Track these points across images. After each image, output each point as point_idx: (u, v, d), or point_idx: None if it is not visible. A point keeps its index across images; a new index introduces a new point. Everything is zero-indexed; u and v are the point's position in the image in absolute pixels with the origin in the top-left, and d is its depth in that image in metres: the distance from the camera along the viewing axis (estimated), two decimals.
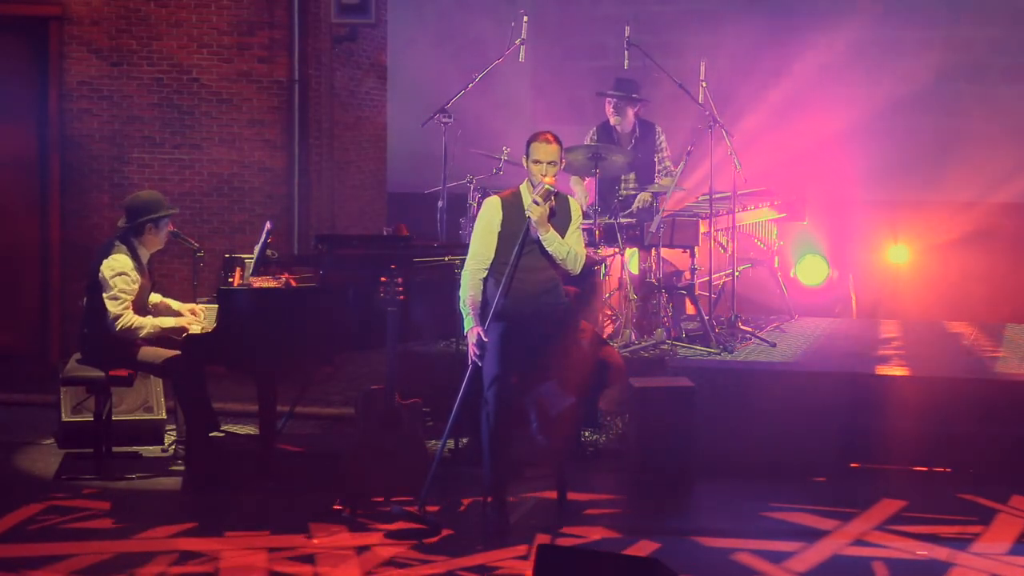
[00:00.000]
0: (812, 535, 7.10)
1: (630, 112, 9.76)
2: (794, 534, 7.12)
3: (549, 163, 7.12)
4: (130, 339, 7.93)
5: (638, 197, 9.60)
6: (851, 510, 7.45)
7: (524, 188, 7.25)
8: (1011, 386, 8.25)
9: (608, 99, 9.81)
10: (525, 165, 7.23)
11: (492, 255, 7.18)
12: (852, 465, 8.17)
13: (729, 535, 7.10)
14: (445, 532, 7.04)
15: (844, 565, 6.72)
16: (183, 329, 8.01)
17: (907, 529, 7.19)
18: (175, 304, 8.29)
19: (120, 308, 7.90)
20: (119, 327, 7.88)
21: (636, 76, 9.79)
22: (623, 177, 9.85)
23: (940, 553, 6.83)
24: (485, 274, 7.20)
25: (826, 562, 6.75)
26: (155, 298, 8.28)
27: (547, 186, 7.07)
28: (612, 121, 9.80)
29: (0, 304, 11.00)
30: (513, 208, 7.19)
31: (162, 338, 8.09)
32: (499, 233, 7.18)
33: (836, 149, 11.91)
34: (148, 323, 7.97)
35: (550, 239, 7.13)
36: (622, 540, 6.99)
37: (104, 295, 7.90)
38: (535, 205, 7.06)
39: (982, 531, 7.17)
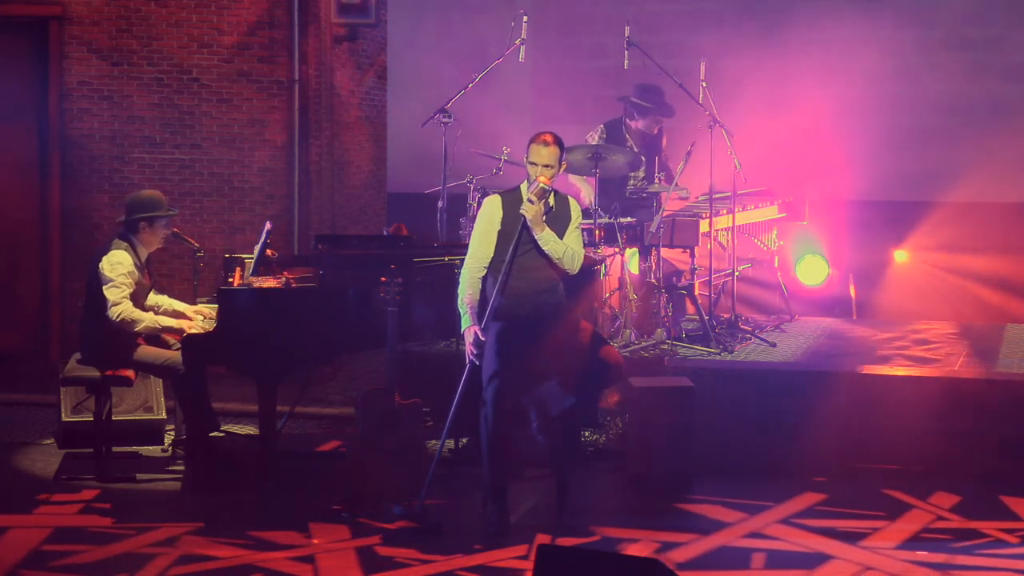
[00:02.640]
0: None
1: (645, 121, 9.82)
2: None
3: (545, 166, 7.13)
4: (127, 332, 7.92)
5: (653, 185, 9.62)
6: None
7: (524, 187, 7.26)
8: (1010, 386, 8.25)
9: (628, 105, 9.84)
10: (525, 164, 7.25)
11: (492, 254, 7.19)
12: (852, 466, 8.17)
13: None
14: (445, 532, 7.04)
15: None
16: (181, 330, 8.00)
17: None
18: (180, 306, 8.27)
19: (118, 296, 7.88)
20: (116, 315, 7.85)
21: (633, 75, 9.78)
22: (632, 174, 9.86)
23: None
24: (484, 272, 7.20)
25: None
26: (163, 300, 8.27)
27: (541, 185, 7.08)
28: (639, 126, 9.80)
29: (0, 304, 11.00)
30: (513, 207, 7.19)
31: (158, 339, 8.09)
32: (499, 232, 7.18)
33: (836, 149, 11.90)
34: (147, 318, 7.96)
35: (545, 238, 7.13)
36: (622, 540, 7.00)
37: (103, 286, 7.89)
38: (529, 204, 7.06)
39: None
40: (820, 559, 6.73)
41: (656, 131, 9.91)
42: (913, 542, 7.00)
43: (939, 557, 6.74)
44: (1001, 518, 7.35)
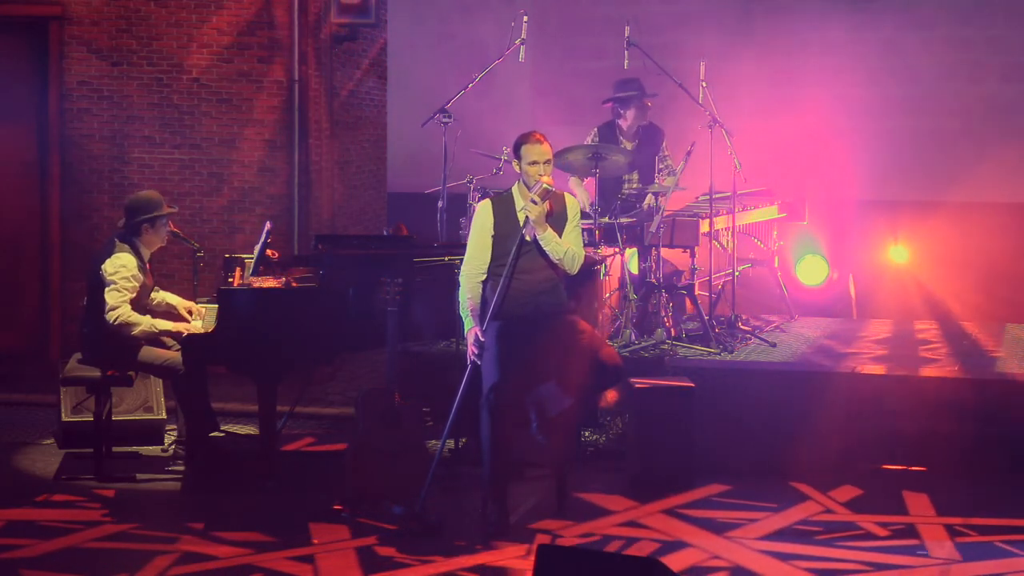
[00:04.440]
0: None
1: (633, 111, 9.78)
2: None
3: (545, 163, 7.14)
4: (123, 334, 7.92)
5: (646, 199, 9.60)
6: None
7: (516, 190, 7.26)
8: (1010, 386, 8.25)
9: (613, 103, 9.83)
10: (518, 169, 7.24)
11: (488, 258, 7.21)
12: (852, 465, 8.17)
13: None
14: (445, 532, 7.04)
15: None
16: (178, 334, 8.00)
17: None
18: (173, 299, 8.30)
19: (118, 300, 7.89)
20: (114, 319, 7.86)
21: (633, 75, 9.78)
22: (626, 177, 9.86)
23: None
24: (483, 277, 7.22)
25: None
26: (158, 295, 8.29)
27: (545, 185, 7.08)
28: (629, 121, 9.79)
29: (0, 304, 11.00)
30: (505, 210, 7.21)
31: (156, 340, 8.09)
32: (494, 236, 7.20)
33: (836, 149, 11.90)
34: (145, 321, 7.97)
35: (548, 238, 7.14)
36: (622, 540, 7.00)
37: (105, 289, 7.90)
38: (533, 204, 7.07)
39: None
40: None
41: (648, 121, 9.87)
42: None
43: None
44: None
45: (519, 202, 7.20)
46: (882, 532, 7.17)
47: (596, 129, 9.87)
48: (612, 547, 6.89)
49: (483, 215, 7.25)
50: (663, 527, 7.22)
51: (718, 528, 7.19)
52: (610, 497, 7.67)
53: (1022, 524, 7.24)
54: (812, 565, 6.66)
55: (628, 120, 9.80)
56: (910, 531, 7.18)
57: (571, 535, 7.09)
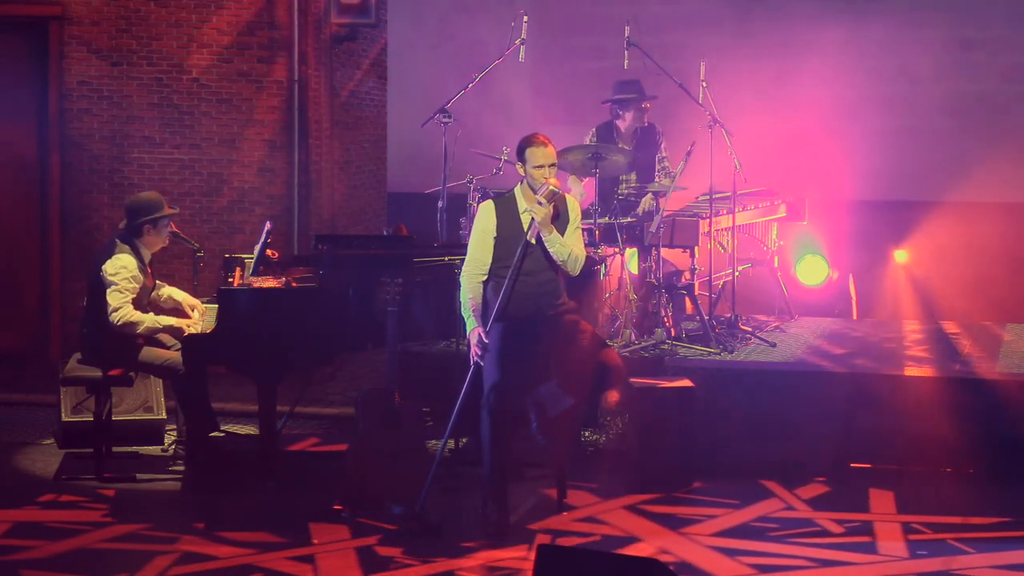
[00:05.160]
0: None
1: (631, 113, 9.78)
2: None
3: (550, 166, 7.14)
4: (128, 334, 7.93)
5: (643, 201, 9.61)
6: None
7: (519, 191, 7.26)
8: (1010, 386, 8.25)
9: (612, 104, 9.84)
10: (521, 171, 7.23)
11: (489, 260, 7.20)
12: (852, 465, 8.18)
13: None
14: (445, 532, 7.04)
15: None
16: (181, 329, 8.01)
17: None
18: (179, 295, 8.30)
19: (120, 301, 7.89)
20: (118, 320, 7.87)
21: (633, 75, 9.78)
22: (623, 177, 9.86)
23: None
24: (484, 278, 7.21)
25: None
26: (164, 291, 8.30)
27: (551, 187, 7.08)
28: (628, 122, 9.80)
29: (0, 304, 11.00)
30: (507, 211, 7.21)
31: (157, 339, 8.09)
32: (496, 238, 7.19)
33: (837, 149, 11.90)
34: (148, 319, 7.98)
35: (553, 240, 7.14)
36: (622, 540, 7.00)
37: (107, 290, 7.90)
38: (539, 206, 7.07)
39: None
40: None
41: (647, 122, 9.87)
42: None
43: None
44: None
45: (522, 204, 7.20)
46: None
47: (594, 129, 9.87)
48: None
49: (486, 216, 7.25)
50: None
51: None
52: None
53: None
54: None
55: (626, 121, 9.81)
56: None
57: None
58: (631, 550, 6.76)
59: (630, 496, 7.68)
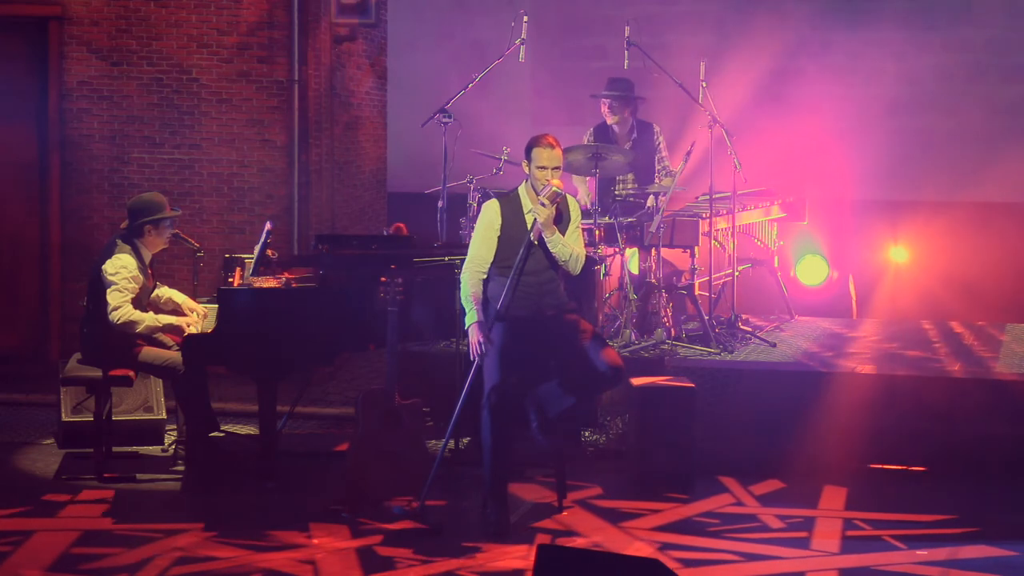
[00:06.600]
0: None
1: (626, 112, 9.78)
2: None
3: (554, 168, 7.15)
4: (127, 333, 7.93)
5: (647, 201, 9.60)
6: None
7: (523, 190, 7.26)
8: (1010, 386, 8.25)
9: (603, 100, 9.83)
10: (527, 170, 7.24)
11: (491, 258, 7.21)
12: (850, 465, 8.18)
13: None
14: (445, 532, 7.04)
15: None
16: (180, 328, 8.01)
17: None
18: (179, 296, 8.29)
19: (120, 300, 7.89)
20: (118, 319, 7.87)
21: (633, 75, 9.78)
22: (620, 178, 9.86)
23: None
24: (485, 276, 7.21)
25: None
26: (164, 292, 8.30)
27: (554, 188, 7.08)
28: (609, 121, 9.81)
29: (0, 304, 11.00)
30: (512, 211, 7.21)
31: (154, 339, 8.09)
32: (500, 237, 7.20)
33: (836, 149, 11.90)
34: (147, 318, 7.98)
35: (555, 241, 7.15)
36: (622, 540, 7.00)
37: (107, 290, 7.90)
38: (542, 207, 7.07)
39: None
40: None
41: (629, 127, 9.84)
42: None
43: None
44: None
45: (526, 203, 7.21)
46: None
47: (591, 130, 9.88)
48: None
49: (491, 214, 7.25)
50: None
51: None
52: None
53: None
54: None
55: (611, 118, 9.80)
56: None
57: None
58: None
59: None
